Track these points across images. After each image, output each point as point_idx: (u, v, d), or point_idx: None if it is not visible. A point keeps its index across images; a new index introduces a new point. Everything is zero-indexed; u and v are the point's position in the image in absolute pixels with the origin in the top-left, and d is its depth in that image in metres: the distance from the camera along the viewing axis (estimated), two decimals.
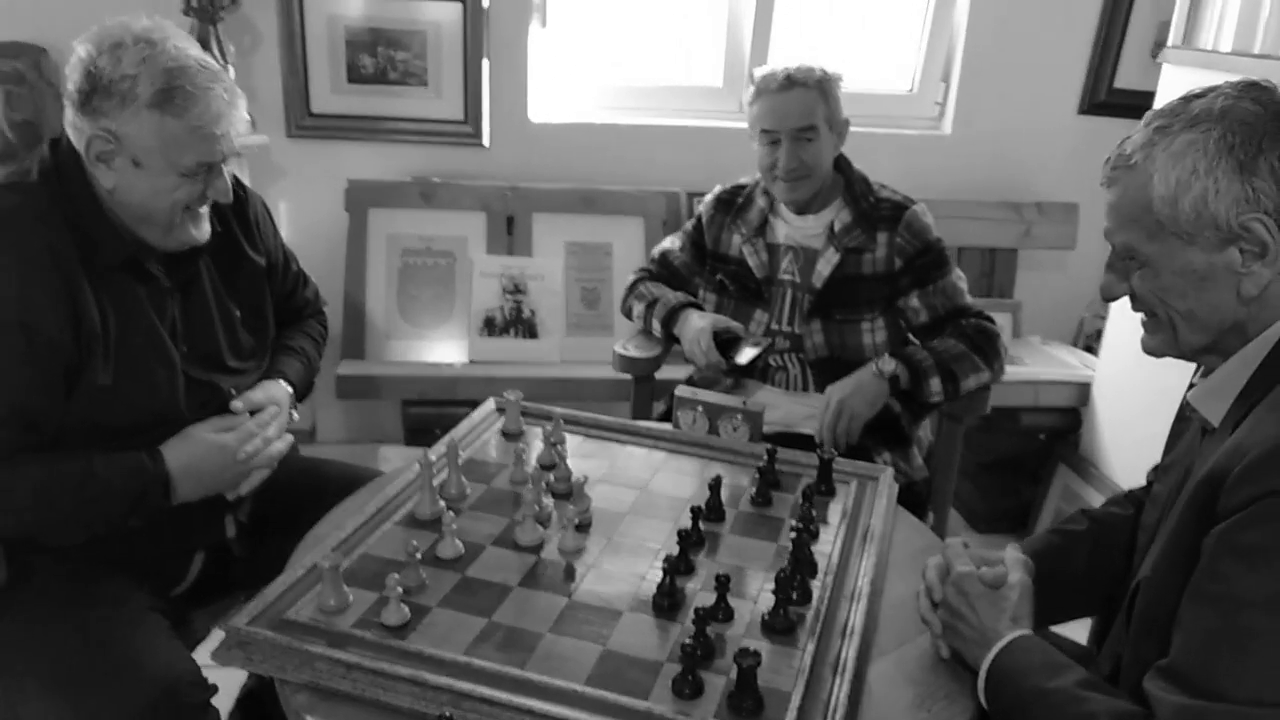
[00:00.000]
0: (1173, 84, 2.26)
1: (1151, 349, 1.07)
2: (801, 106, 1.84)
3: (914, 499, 1.90)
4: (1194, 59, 2.15)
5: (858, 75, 2.92)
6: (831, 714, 1.02)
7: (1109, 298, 1.08)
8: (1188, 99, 1.00)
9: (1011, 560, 1.17)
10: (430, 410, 2.51)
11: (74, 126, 1.30)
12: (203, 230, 1.39)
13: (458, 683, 1.04)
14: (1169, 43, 2.25)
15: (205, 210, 1.39)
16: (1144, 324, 1.07)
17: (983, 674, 1.06)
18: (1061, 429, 2.69)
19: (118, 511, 1.33)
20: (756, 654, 1.02)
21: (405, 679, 1.05)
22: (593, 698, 1.03)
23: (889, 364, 1.79)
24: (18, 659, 1.27)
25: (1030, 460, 2.78)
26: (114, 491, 1.32)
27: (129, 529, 1.36)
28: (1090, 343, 2.97)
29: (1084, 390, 2.63)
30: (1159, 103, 2.13)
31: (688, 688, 1.04)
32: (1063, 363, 2.77)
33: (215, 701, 1.32)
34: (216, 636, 1.14)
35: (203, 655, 1.24)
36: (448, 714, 0.98)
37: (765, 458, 1.47)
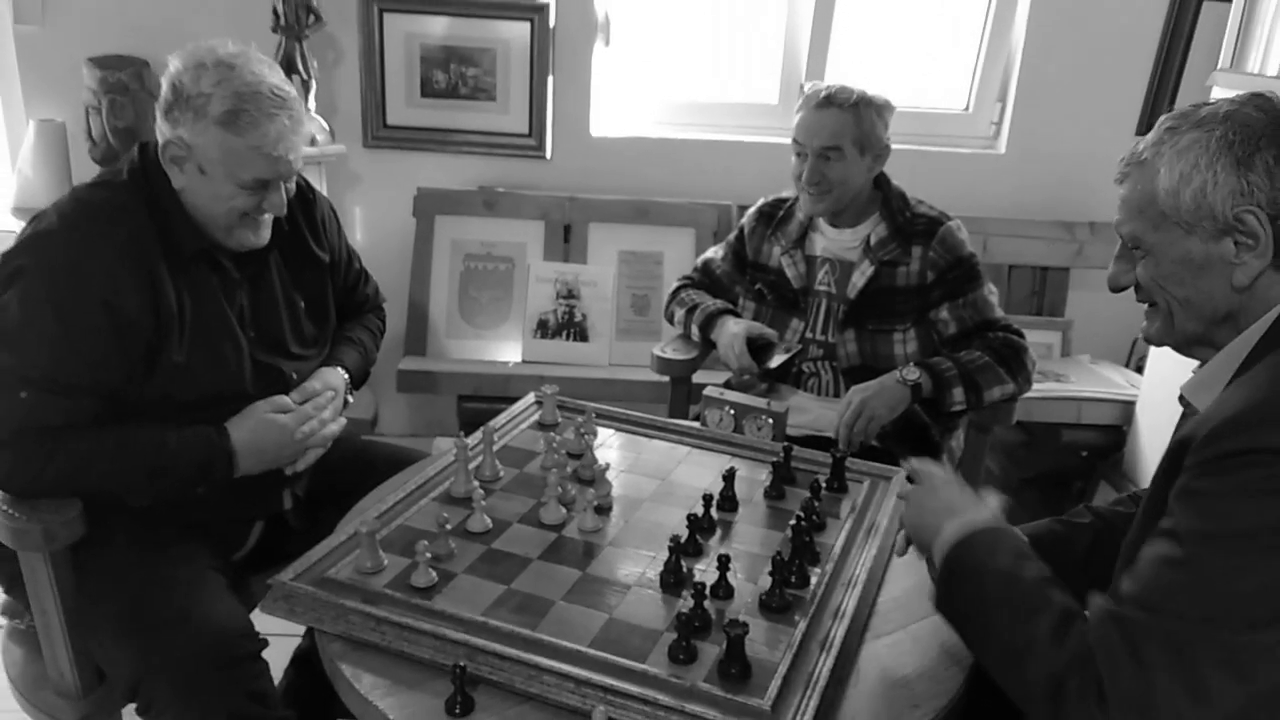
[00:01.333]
0: None
1: (1150, 336, 1.14)
2: (832, 126, 1.92)
3: None
4: (1241, 82, 2.16)
5: (914, 94, 3.00)
6: (814, 685, 1.10)
7: (1115, 287, 1.15)
8: (1198, 105, 1.07)
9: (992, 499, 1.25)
10: (484, 406, 2.63)
11: (159, 130, 1.47)
12: (261, 236, 1.53)
13: (474, 639, 1.15)
14: (1218, 65, 2.26)
15: (265, 219, 1.53)
16: (1146, 314, 1.14)
17: (950, 538, 1.11)
18: (1104, 446, 2.69)
19: (186, 479, 1.47)
20: (745, 625, 1.11)
21: (428, 634, 1.16)
22: (595, 658, 1.13)
23: (913, 372, 1.85)
24: (95, 606, 1.41)
25: (1073, 477, 2.79)
26: (183, 462, 1.46)
27: (197, 497, 1.51)
28: (1142, 363, 2.96)
29: (1128, 409, 2.63)
30: None
31: (682, 654, 1.13)
32: (1109, 381, 2.77)
33: (269, 663, 1.44)
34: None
35: (258, 617, 1.37)
36: (462, 664, 1.09)
37: (781, 454, 1.55)
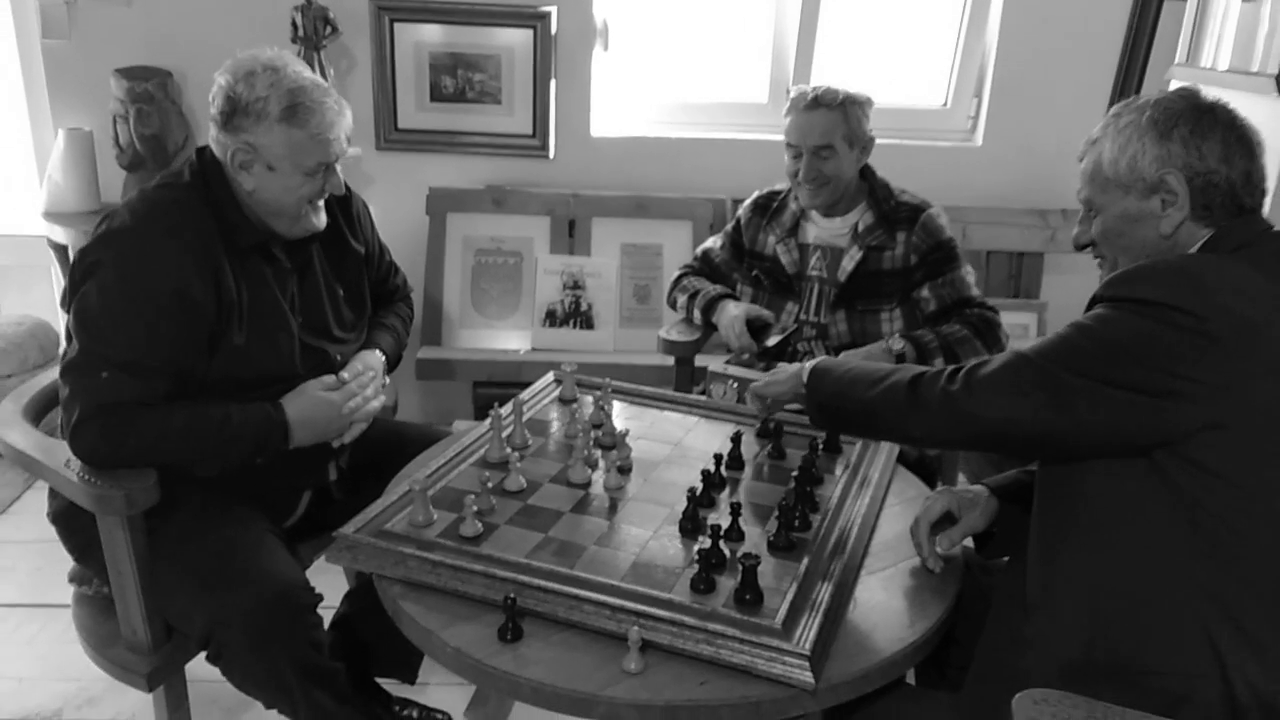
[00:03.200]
0: None
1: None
2: (823, 126, 2.09)
3: (926, 469, 2.11)
4: (1196, 75, 2.35)
5: (895, 92, 3.16)
6: (817, 608, 1.27)
7: (1078, 244, 1.37)
8: (1138, 97, 1.32)
9: (978, 488, 1.49)
10: (496, 391, 2.77)
11: (218, 142, 1.62)
12: (320, 219, 1.70)
13: (520, 576, 1.31)
14: (1175, 60, 2.44)
15: (322, 203, 1.70)
16: (1099, 265, 1.36)
17: (806, 373, 1.45)
18: None
19: (247, 451, 1.63)
20: (757, 557, 1.28)
21: (479, 573, 1.32)
22: (627, 589, 1.29)
23: (899, 342, 2.02)
24: (167, 564, 1.56)
25: None
26: (245, 435, 1.62)
27: (255, 468, 1.66)
28: None
29: None
30: None
31: (702, 584, 1.30)
32: None
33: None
34: (318, 565, 1.42)
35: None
36: (512, 596, 1.25)
37: (773, 422, 1.73)
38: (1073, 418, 1.18)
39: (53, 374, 1.87)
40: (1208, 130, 1.23)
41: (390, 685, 1.97)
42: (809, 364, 1.47)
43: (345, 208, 1.84)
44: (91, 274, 1.55)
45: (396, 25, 2.92)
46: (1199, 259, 1.22)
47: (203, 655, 1.57)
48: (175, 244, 1.57)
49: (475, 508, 1.43)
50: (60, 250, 2.97)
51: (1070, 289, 3.18)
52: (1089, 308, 1.24)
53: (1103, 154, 1.29)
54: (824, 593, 1.30)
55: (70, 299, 1.58)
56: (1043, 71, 3.03)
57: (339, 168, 1.68)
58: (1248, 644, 1.14)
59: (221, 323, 1.61)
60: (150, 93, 2.86)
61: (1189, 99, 1.26)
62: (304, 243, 1.73)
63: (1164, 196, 1.24)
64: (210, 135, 1.64)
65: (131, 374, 1.53)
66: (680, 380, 2.34)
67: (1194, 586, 1.15)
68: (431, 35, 2.95)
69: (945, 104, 3.20)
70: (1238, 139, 1.24)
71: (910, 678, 1.45)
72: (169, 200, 1.62)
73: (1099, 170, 1.30)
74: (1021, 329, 3.08)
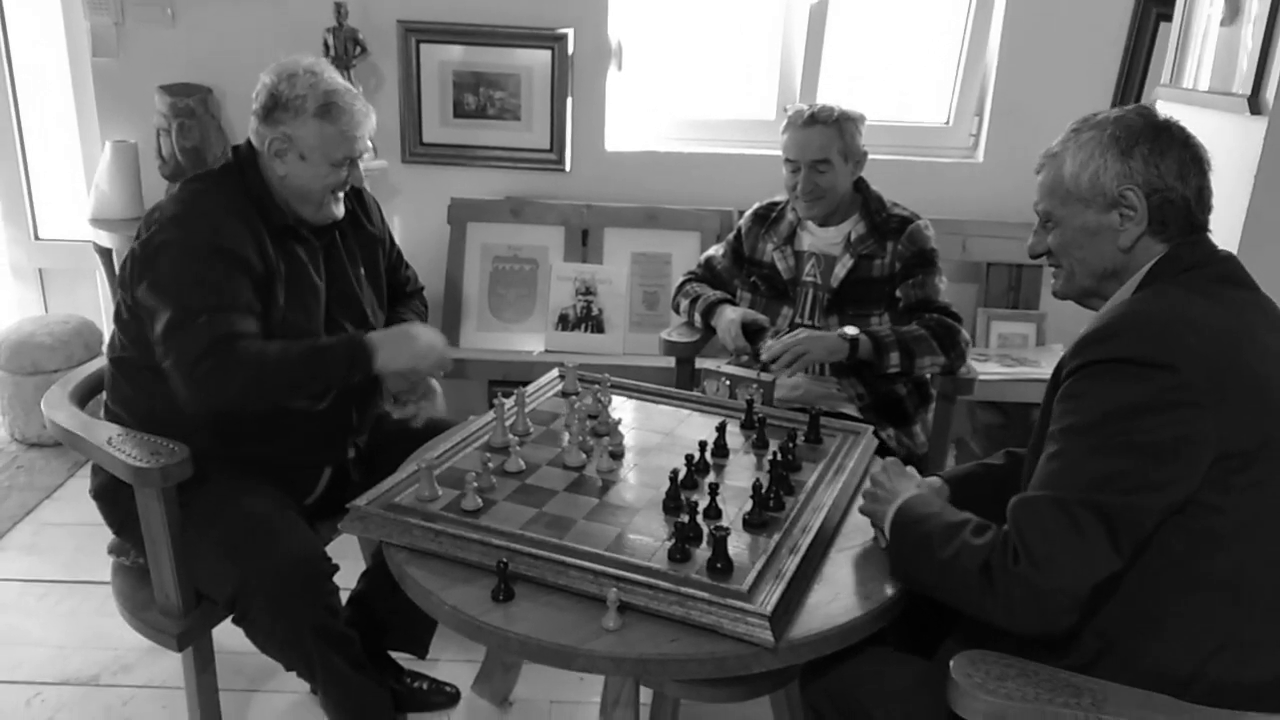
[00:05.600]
0: None
1: (1057, 291, 1.44)
2: (819, 141, 2.21)
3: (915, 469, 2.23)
4: (1179, 96, 2.44)
5: (900, 110, 3.29)
6: (781, 577, 1.38)
7: (1033, 254, 1.44)
8: (1097, 113, 1.37)
9: (931, 479, 1.55)
10: (511, 390, 2.94)
11: (257, 133, 1.81)
12: (339, 209, 1.89)
13: (513, 545, 1.44)
14: (1160, 81, 2.54)
15: (341, 195, 1.88)
16: (1054, 274, 1.43)
17: (889, 519, 1.41)
18: None
19: (340, 370, 1.76)
20: (727, 529, 1.39)
21: (476, 542, 1.45)
22: (609, 557, 1.41)
23: (853, 330, 2.13)
24: (197, 534, 1.71)
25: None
26: (337, 355, 1.76)
27: (280, 446, 1.81)
28: None
29: None
30: None
31: (679, 554, 1.42)
32: None
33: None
34: (336, 548, 1.56)
35: None
36: (505, 560, 1.38)
37: (747, 407, 1.86)
38: (1137, 529, 1.17)
39: (97, 363, 2.04)
40: (1165, 148, 1.29)
41: (402, 659, 2.11)
42: (894, 504, 1.42)
43: (359, 197, 2.02)
44: (159, 255, 1.71)
45: (422, 45, 3.08)
46: (1160, 304, 1.25)
47: (229, 624, 1.71)
48: (223, 215, 1.75)
49: (476, 485, 1.56)
50: (105, 254, 3.16)
51: (1069, 302, 3.27)
52: (1059, 372, 1.27)
53: (1063, 168, 1.34)
54: (790, 564, 1.41)
55: (134, 284, 1.73)
56: (1041, 91, 3.14)
57: (360, 163, 1.87)
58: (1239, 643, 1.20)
59: (267, 288, 1.77)
60: (191, 108, 3.04)
61: (1146, 117, 1.32)
62: (327, 228, 1.90)
63: (1123, 211, 1.30)
64: (250, 127, 1.83)
65: (225, 312, 1.69)
66: (680, 379, 2.47)
67: (1192, 580, 1.20)
68: (455, 55, 3.11)
69: (948, 122, 3.31)
70: (1192, 158, 1.30)
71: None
72: (209, 186, 1.82)
73: (1059, 184, 1.35)
74: (1021, 339, 3.18)
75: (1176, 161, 1.29)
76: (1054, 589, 1.17)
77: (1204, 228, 1.33)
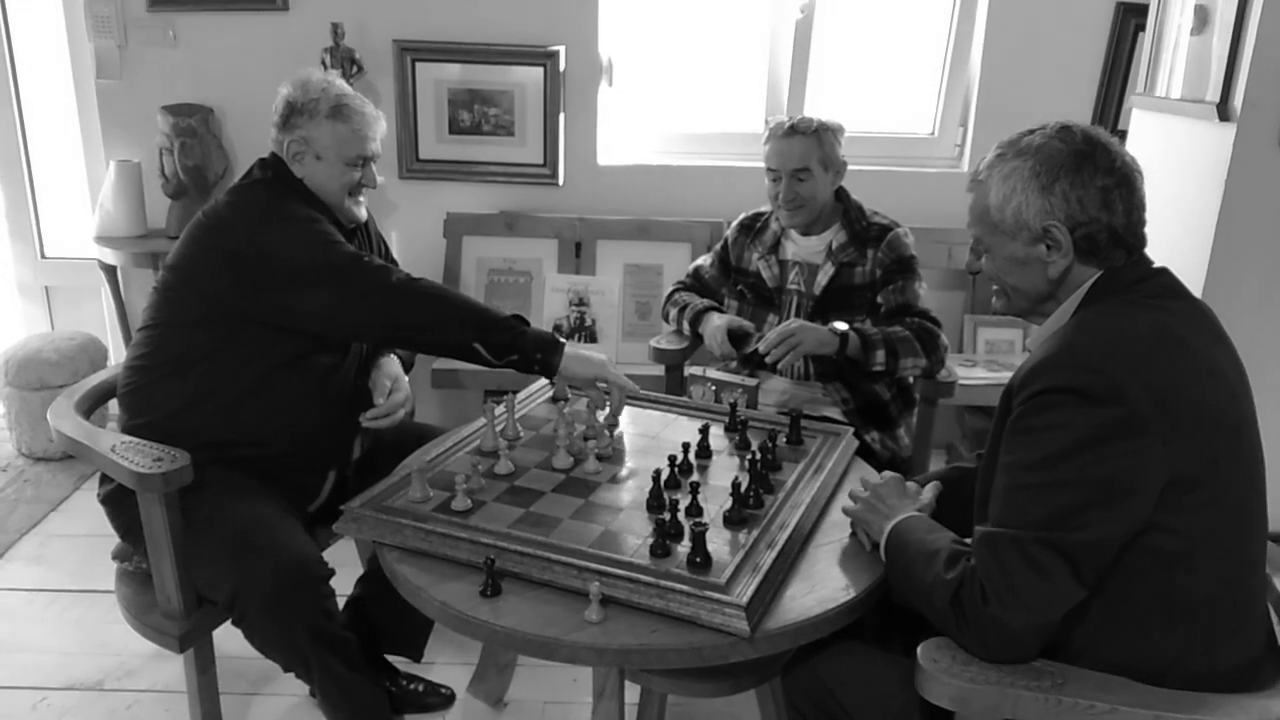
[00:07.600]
0: (1139, 125, 2.61)
1: (997, 309, 1.46)
2: (800, 151, 2.28)
3: (899, 471, 2.28)
4: (1153, 104, 2.51)
5: (886, 121, 3.35)
6: (758, 571, 1.43)
7: (971, 272, 1.49)
8: (1023, 134, 1.38)
9: (928, 487, 1.59)
10: (501, 397, 3.00)
11: (276, 141, 1.93)
12: (362, 212, 2.01)
13: (501, 543, 1.49)
14: (1135, 90, 2.61)
15: (363, 198, 2.00)
16: (994, 293, 1.46)
17: (884, 539, 1.45)
18: None
19: (502, 341, 1.87)
20: (706, 524, 1.45)
21: (465, 540, 1.51)
22: (593, 554, 1.47)
23: (843, 325, 2.19)
24: (197, 538, 1.75)
25: None
26: (498, 326, 1.88)
27: (285, 450, 1.88)
28: None
29: None
30: (1130, 142, 2.53)
31: (660, 550, 1.47)
32: None
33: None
34: (334, 555, 1.61)
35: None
36: (492, 557, 1.44)
37: (731, 410, 1.92)
38: (1098, 559, 1.20)
39: (101, 375, 2.10)
40: (1088, 179, 1.27)
41: (398, 662, 2.16)
42: (889, 525, 1.45)
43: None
44: (249, 245, 1.81)
45: (418, 64, 3.16)
46: (1104, 326, 1.26)
47: (230, 628, 1.76)
48: (276, 202, 1.88)
49: (465, 486, 1.61)
50: (109, 271, 3.23)
51: None
52: (1010, 395, 1.29)
53: (988, 197, 1.34)
54: (767, 558, 1.46)
55: (257, 291, 1.81)
56: (1024, 102, 3.19)
57: (374, 166, 1.98)
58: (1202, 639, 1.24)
59: None
60: (193, 127, 3.12)
61: (1069, 144, 1.30)
62: (350, 233, 2.02)
63: (1048, 243, 1.30)
64: (271, 138, 1.95)
65: (342, 242, 1.85)
66: (670, 385, 2.52)
67: (1156, 597, 1.23)
68: (450, 73, 3.19)
69: (933, 132, 3.38)
70: (1118, 182, 1.28)
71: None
72: (252, 185, 1.93)
73: (986, 213, 1.35)
74: (1008, 344, 3.24)
75: (1099, 191, 1.28)
76: (1023, 626, 1.21)
77: (1137, 248, 1.33)
